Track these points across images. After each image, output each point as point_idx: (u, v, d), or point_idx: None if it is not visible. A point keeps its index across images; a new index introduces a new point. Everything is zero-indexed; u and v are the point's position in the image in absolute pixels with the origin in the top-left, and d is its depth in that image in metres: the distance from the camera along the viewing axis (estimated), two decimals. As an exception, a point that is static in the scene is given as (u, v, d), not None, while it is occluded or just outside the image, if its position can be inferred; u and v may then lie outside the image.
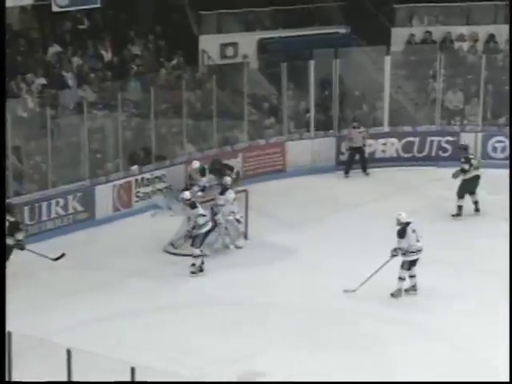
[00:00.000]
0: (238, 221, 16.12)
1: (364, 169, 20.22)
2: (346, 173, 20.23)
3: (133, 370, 8.90)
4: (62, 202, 17.01)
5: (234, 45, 21.68)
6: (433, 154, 20.76)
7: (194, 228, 15.13)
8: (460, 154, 17.92)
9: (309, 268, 15.16)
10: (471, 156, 17.88)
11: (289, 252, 15.93)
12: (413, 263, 14.05)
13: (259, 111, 20.78)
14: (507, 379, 10.81)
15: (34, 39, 19.82)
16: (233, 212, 15.96)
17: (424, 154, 20.80)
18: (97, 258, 15.87)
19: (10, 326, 10.15)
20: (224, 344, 12.80)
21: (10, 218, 14.91)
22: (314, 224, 16.92)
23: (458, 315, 13.46)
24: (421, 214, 16.95)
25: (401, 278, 14.05)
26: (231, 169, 18.24)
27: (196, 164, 17.96)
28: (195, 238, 15.17)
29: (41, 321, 13.21)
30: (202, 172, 17.93)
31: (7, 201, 15.32)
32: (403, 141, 20.83)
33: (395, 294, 14.07)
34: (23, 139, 17.33)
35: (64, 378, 9.30)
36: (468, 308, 13.68)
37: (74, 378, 9.32)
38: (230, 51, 21.60)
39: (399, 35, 22.24)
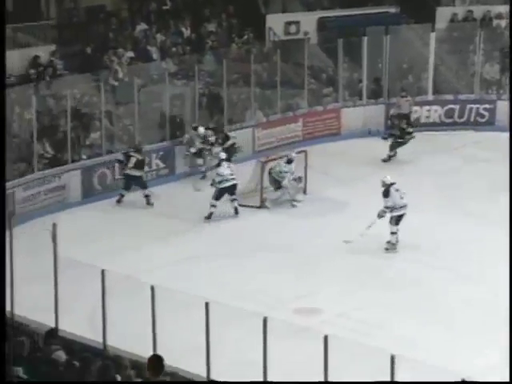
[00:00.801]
0: (295, 180, 16.05)
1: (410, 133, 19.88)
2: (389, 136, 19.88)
3: (207, 305, 8.92)
4: (146, 159, 17.09)
5: (297, 23, 21.39)
6: (471, 119, 20.38)
7: (212, 183, 15.41)
8: None
9: (359, 218, 15.04)
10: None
11: (342, 205, 15.83)
12: (399, 218, 13.75)
13: (318, 81, 20.54)
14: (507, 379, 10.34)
15: (124, 18, 19.80)
16: (289, 173, 15.86)
17: (464, 119, 20.42)
18: (177, 207, 15.94)
19: (102, 264, 10.28)
20: (286, 284, 12.81)
21: (138, 157, 16.04)
22: (365, 180, 16.73)
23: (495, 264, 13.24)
24: (460, 171, 16.72)
25: (392, 233, 13.77)
26: (228, 138, 17.68)
27: (201, 130, 17.27)
28: (215, 191, 15.29)
29: (129, 260, 13.36)
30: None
31: (136, 143, 16.56)
32: (445, 108, 20.46)
33: (389, 248, 13.81)
34: (114, 105, 17.41)
35: (148, 313, 9.36)
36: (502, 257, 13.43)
37: (157, 313, 9.36)
38: (293, 28, 21.33)
39: (443, 14, 21.72)
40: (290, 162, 16.19)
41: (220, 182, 15.39)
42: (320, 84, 20.52)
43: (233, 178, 15.51)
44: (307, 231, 14.54)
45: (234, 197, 15.52)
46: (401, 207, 13.79)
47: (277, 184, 16.09)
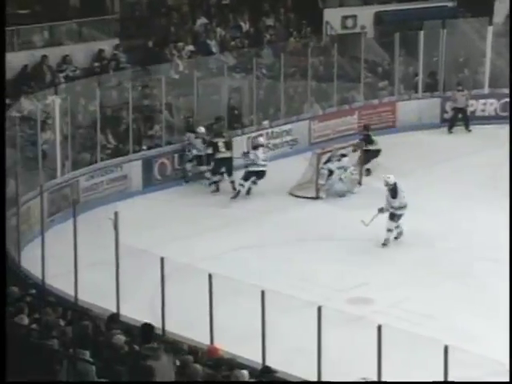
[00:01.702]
0: (351, 173, 16.08)
1: (467, 126, 19.64)
2: (450, 128, 19.73)
3: (263, 293, 8.96)
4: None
5: (354, 17, 21.27)
6: (528, 113, 20.02)
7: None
8: None
9: (411, 209, 14.92)
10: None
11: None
12: (400, 217, 13.58)
13: (374, 75, 20.40)
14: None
15: (185, 12, 19.91)
16: (342, 167, 15.84)
17: (520, 113, 20.07)
18: (229, 198, 15.95)
19: (162, 252, 10.39)
20: (339, 274, 12.79)
21: (223, 140, 16.12)
22: (421, 172, 16.59)
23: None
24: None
25: (389, 230, 13.54)
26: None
27: (202, 129, 16.69)
28: (244, 172, 15.86)
29: (188, 249, 13.47)
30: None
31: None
32: (501, 101, 20.12)
33: (385, 244, 13.60)
34: (174, 97, 17.53)
35: (206, 300, 9.44)
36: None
37: (214, 300, 9.44)
38: (349, 22, 21.21)
39: (501, 8, 21.34)
40: (343, 156, 16.07)
41: (250, 165, 15.61)
42: (376, 77, 20.38)
43: (264, 165, 15.70)
44: (355, 222, 14.49)
45: (255, 181, 15.74)
46: (403, 207, 13.60)
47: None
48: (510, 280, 12.13)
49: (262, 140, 16.38)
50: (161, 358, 7.65)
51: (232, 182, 16.17)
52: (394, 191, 13.68)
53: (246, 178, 15.75)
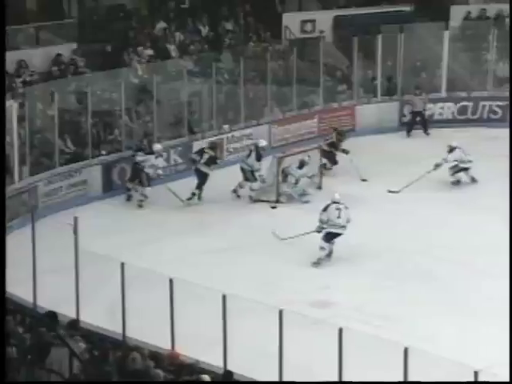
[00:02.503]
0: (309, 177, 16.20)
1: (425, 130, 19.83)
2: (408, 132, 19.90)
3: (224, 297, 8.94)
4: (165, 155, 17.10)
5: (313, 21, 21.35)
6: (484, 116, 20.28)
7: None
8: None
9: (371, 213, 15.03)
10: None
11: (355, 200, 15.74)
12: (332, 236, 13.39)
13: (333, 79, 20.49)
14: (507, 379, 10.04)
15: (144, 16, 19.82)
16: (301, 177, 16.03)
17: (476, 116, 20.33)
18: (194, 203, 15.95)
19: (122, 257, 10.31)
20: (302, 277, 12.81)
21: (211, 153, 16.07)
22: (380, 176, 16.69)
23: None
24: (473, 168, 16.65)
25: (322, 248, 13.38)
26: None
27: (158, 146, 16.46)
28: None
29: (149, 254, 13.39)
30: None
31: (213, 139, 16.95)
32: (459, 105, 20.38)
33: (316, 263, 13.35)
34: (134, 102, 17.43)
35: (167, 305, 9.37)
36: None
37: (175, 305, 9.39)
38: (308, 27, 21.29)
39: (457, 12, 21.62)
40: (301, 166, 16.13)
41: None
42: (335, 81, 20.47)
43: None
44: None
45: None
46: (335, 225, 13.48)
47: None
48: (510, 280, 12.17)
49: (262, 142, 16.51)
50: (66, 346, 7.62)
51: (193, 194, 15.86)
52: (326, 206, 13.69)
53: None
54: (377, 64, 20.32)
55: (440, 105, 20.41)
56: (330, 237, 13.46)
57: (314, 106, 19.79)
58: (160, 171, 15.97)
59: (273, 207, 15.73)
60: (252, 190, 16.03)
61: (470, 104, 20.35)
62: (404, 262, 13.29)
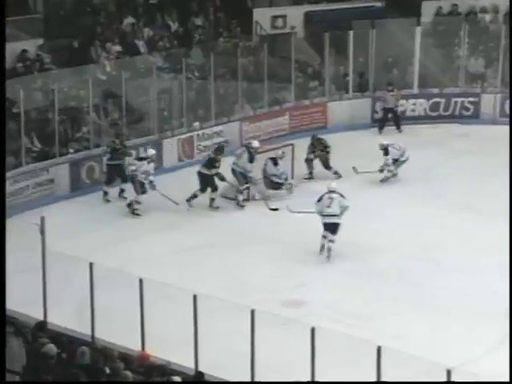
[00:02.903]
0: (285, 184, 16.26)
1: (398, 126, 19.94)
2: (380, 129, 19.99)
3: (195, 297, 8.93)
4: (134, 153, 17.03)
5: (284, 17, 21.39)
6: (456, 112, 20.43)
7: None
8: None
9: (348, 211, 15.10)
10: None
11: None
12: (329, 226, 13.56)
13: (304, 75, 20.53)
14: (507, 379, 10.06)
15: (111, 12, 19.70)
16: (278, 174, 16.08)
17: (449, 112, 20.48)
18: (166, 200, 15.91)
19: (91, 257, 10.27)
20: (273, 277, 12.83)
21: (211, 155, 15.82)
22: (351, 174, 16.76)
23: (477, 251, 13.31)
24: (444, 165, 16.78)
25: (323, 237, 13.58)
26: None
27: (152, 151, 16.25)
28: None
29: (118, 253, 13.34)
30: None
31: (221, 144, 16.76)
32: (431, 101, 20.51)
33: (321, 250, 13.63)
34: (102, 99, 17.35)
35: (137, 305, 9.36)
36: (486, 244, 13.51)
37: (146, 305, 9.39)
38: (279, 22, 21.32)
39: (429, 8, 21.75)
40: (276, 163, 16.14)
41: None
42: (306, 78, 20.53)
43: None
44: (294, 224, 14.57)
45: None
46: (327, 215, 13.64)
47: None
48: (509, 281, 12.21)
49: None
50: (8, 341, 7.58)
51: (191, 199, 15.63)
52: (321, 196, 13.85)
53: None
54: (348, 60, 20.40)
55: (412, 101, 20.53)
56: (326, 227, 13.55)
57: (286, 102, 19.83)
58: (151, 177, 15.39)
59: (274, 209, 15.42)
60: (240, 193, 15.70)
61: (442, 100, 20.50)
62: (375, 261, 13.37)
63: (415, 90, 20.74)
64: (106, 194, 16.01)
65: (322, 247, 13.67)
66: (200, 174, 15.67)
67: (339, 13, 21.29)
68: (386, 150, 16.65)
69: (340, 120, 19.95)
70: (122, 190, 15.98)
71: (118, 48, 18.66)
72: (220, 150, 16.04)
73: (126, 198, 15.71)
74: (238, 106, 19.05)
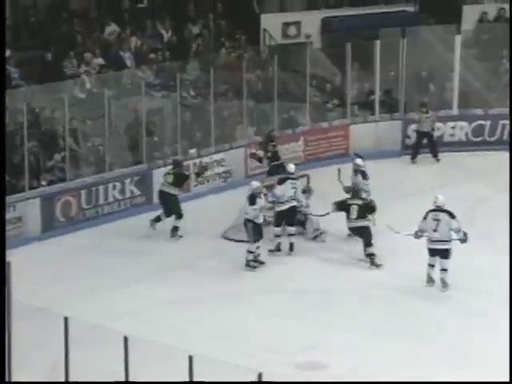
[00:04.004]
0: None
1: (434, 154, 20.03)
2: (413, 157, 20.10)
3: (190, 358, 8.98)
4: (119, 185, 17.17)
5: (297, 24, 21.65)
6: (504, 137, 20.52)
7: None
8: None
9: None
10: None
11: (351, 241, 15.88)
12: (432, 252, 14.02)
13: (322, 93, 20.74)
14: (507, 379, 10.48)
15: (92, 18, 19.97)
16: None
17: (495, 138, 20.59)
18: (155, 243, 16.00)
19: (66, 310, 10.31)
20: (285, 333, 12.83)
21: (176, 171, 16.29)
22: (378, 211, 16.80)
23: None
24: (492, 200, 16.81)
25: (430, 265, 14.15)
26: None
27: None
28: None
29: (97, 306, 13.39)
30: None
31: (176, 158, 17.07)
32: (473, 124, 20.65)
33: (428, 283, 14.12)
34: (80, 121, 17.53)
35: (120, 366, 9.41)
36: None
37: (131, 367, 9.43)
38: (292, 30, 21.58)
39: (471, 13, 21.98)
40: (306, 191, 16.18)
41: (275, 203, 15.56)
42: (324, 96, 20.71)
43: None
44: (309, 271, 14.64)
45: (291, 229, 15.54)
46: (431, 240, 14.02)
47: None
48: (510, 285, 12.57)
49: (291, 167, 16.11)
50: None
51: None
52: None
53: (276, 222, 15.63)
54: (375, 75, 20.58)
55: (451, 124, 20.68)
56: (433, 253, 13.98)
57: (300, 125, 19.99)
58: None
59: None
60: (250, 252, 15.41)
61: (487, 123, 20.63)
62: (405, 311, 13.42)
63: (455, 111, 20.90)
64: (157, 219, 16.23)
65: (429, 279, 13.97)
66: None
67: (363, 19, 21.54)
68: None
69: (364, 146, 20.05)
70: (175, 228, 16.21)
71: (99, 61, 18.88)
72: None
73: (179, 237, 16.05)
74: (243, 130, 19.21)
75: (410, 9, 22.39)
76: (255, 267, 14.87)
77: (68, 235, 16.30)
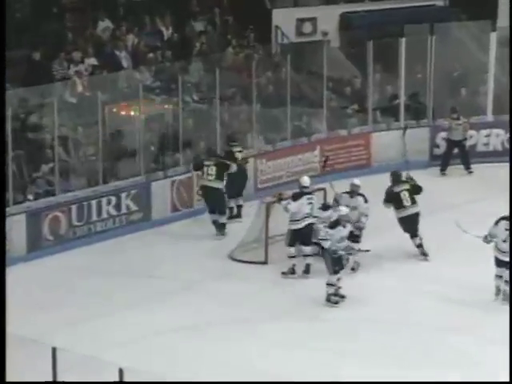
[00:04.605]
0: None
1: (467, 166, 20.06)
2: (443, 169, 20.11)
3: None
4: (114, 200, 17.21)
5: (313, 20, 21.71)
6: (545, 147, 20.55)
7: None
8: None
9: (392, 277, 15.16)
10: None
11: (372, 260, 15.88)
12: (499, 263, 14.32)
13: (340, 97, 20.76)
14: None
15: (84, 13, 20.04)
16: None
17: (535, 147, 20.59)
18: (153, 264, 16.02)
19: (55, 340, 10.32)
20: (298, 364, 12.83)
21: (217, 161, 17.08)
22: (399, 229, 16.78)
23: None
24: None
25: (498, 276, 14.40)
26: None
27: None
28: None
29: (90, 334, 13.40)
30: None
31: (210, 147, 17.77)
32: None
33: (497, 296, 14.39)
34: (71, 128, 17.57)
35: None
36: None
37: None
38: (307, 27, 21.64)
39: (507, 8, 21.97)
40: (326, 208, 15.93)
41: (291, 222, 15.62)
42: (343, 100, 20.74)
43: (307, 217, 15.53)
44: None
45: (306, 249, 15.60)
46: (499, 250, 14.35)
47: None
48: (510, 291, 12.86)
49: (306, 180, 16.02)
50: None
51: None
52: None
53: (290, 242, 15.66)
54: (399, 77, 20.61)
55: (485, 132, 20.69)
56: (499, 264, 14.32)
57: (315, 133, 20.01)
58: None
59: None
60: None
61: (526, 131, 20.62)
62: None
63: (489, 117, 20.91)
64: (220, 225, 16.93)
65: (498, 290, 14.29)
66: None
67: (387, 14, 21.58)
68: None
69: (388, 156, 20.08)
70: (222, 226, 17.03)
71: (92, 61, 18.94)
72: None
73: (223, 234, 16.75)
74: (252, 138, 19.24)
75: (440, 3, 22.44)
76: (337, 302, 14.62)
77: (57, 255, 16.30)
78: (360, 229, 15.69)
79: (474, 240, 14.72)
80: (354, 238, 15.36)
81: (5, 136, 12.36)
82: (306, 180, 15.97)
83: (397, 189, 16.04)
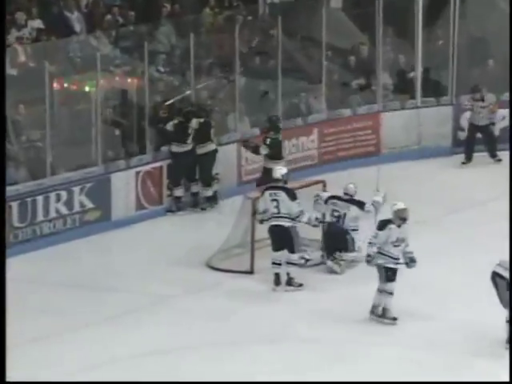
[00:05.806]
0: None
1: (493, 153, 20.26)
2: (468, 157, 20.28)
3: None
4: (64, 196, 17.29)
5: (309, -27, 21.80)
6: None
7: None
8: None
9: (410, 288, 15.32)
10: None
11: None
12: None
13: (343, 69, 20.84)
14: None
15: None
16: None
17: None
18: (114, 274, 16.11)
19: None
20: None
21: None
22: (420, 228, 16.94)
23: None
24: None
25: None
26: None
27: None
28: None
29: (39, 358, 13.50)
30: None
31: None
32: (547, 114, 20.80)
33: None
34: (11, 106, 17.61)
35: None
36: None
37: None
38: (302, -17, 21.74)
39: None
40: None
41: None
42: (346, 74, 20.81)
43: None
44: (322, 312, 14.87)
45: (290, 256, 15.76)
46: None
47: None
48: (509, 291, 13.00)
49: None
50: None
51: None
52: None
53: None
54: (416, 45, 20.70)
55: (518, 114, 20.78)
56: None
57: (312, 113, 20.12)
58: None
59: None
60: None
61: None
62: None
63: (524, 96, 21.04)
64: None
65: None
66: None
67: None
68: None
69: (400, 142, 20.20)
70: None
71: (37, 23, 18.97)
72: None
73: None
74: (235, 119, 19.30)
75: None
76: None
77: (18, 258, 16.23)
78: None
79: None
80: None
81: (5, 132, 12.50)
82: (277, 171, 15.87)
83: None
